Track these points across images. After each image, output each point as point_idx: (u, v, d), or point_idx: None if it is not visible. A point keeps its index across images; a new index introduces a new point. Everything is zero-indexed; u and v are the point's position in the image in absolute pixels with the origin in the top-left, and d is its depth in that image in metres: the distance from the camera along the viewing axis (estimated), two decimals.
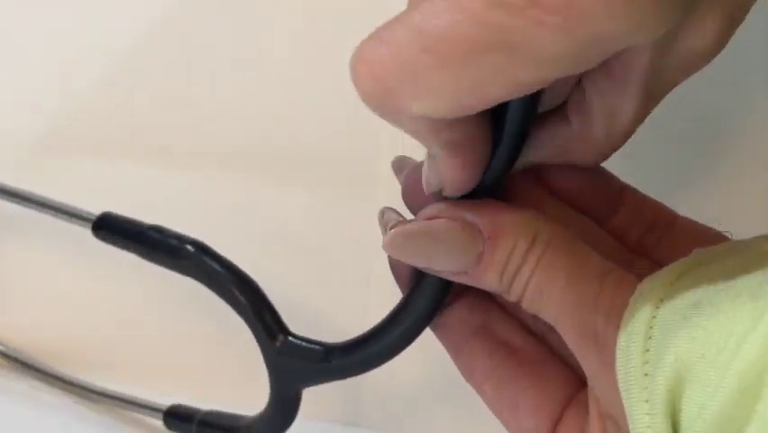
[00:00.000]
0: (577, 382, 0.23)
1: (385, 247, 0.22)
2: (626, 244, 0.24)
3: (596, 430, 0.22)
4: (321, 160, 0.36)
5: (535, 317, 0.22)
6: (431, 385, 0.37)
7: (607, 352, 0.20)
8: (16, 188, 0.34)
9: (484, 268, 0.22)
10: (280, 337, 0.25)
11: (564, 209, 0.24)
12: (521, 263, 0.21)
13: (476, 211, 0.22)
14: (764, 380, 0.17)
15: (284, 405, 0.26)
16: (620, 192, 0.24)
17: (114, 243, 0.29)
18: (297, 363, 0.25)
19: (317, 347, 0.25)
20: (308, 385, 0.25)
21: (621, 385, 0.19)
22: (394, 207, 0.24)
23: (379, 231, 0.23)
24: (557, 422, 0.23)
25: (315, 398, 0.35)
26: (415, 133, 0.20)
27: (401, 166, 0.25)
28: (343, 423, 0.37)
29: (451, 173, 0.21)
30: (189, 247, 0.27)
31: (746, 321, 0.17)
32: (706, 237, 0.24)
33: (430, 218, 0.22)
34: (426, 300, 0.23)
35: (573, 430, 0.23)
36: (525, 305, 0.22)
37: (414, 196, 0.24)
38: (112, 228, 0.29)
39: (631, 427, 0.19)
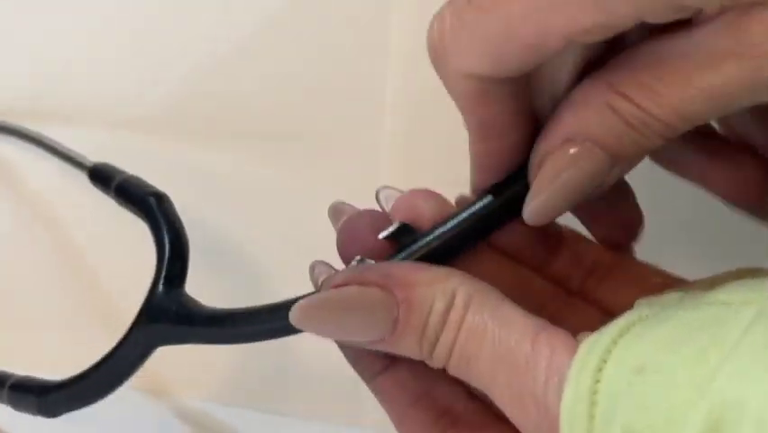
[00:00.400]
0: None
1: (293, 321, 0.22)
2: (567, 288, 0.25)
3: None
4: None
5: None
6: None
7: (549, 417, 0.19)
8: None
9: (400, 334, 0.21)
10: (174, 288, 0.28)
11: (496, 261, 0.24)
12: (441, 327, 0.21)
13: (387, 273, 0.22)
14: None
15: (134, 356, 0.28)
16: (559, 236, 0.25)
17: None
18: (168, 317, 0.27)
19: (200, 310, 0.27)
20: (166, 344, 0.28)
21: None
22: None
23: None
24: None
25: (316, 398, 0.37)
26: (458, 98, 0.21)
27: (338, 213, 0.25)
28: (346, 424, 0.37)
29: (476, 160, 0.23)
30: (151, 198, 0.31)
31: (693, 390, 0.17)
32: (650, 281, 0.24)
33: (339, 285, 0.22)
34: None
35: None
36: (452, 372, 0.21)
37: (348, 246, 0.24)
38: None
39: None
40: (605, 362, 0.19)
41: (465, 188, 0.25)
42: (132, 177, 0.32)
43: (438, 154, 0.35)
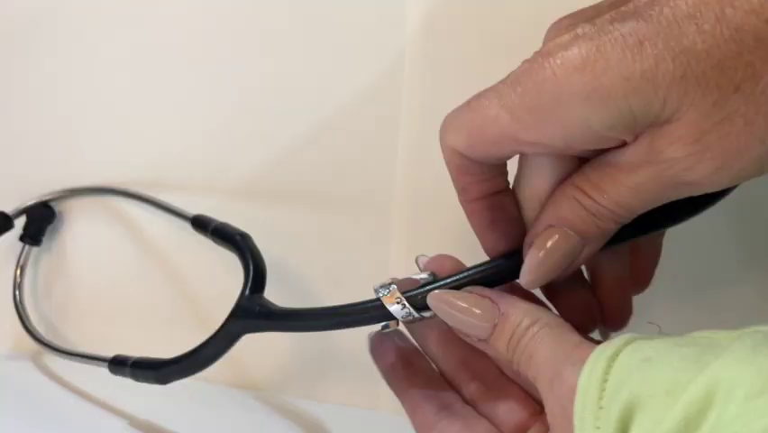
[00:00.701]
0: None
1: (430, 301, 0.27)
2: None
3: None
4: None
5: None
6: None
7: (569, 390, 0.22)
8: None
9: (497, 336, 0.26)
10: (256, 294, 0.33)
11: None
12: (522, 336, 0.25)
13: (499, 296, 0.26)
14: (706, 415, 0.18)
15: (226, 341, 0.33)
16: None
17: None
18: (253, 314, 0.32)
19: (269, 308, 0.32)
20: (249, 332, 0.33)
21: (576, 413, 0.21)
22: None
23: None
24: None
25: (335, 383, 0.42)
26: (447, 164, 0.26)
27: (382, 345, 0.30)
28: (362, 407, 0.41)
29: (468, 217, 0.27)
30: (239, 236, 0.37)
31: (691, 373, 0.19)
32: None
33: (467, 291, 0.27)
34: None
35: None
36: (521, 370, 0.25)
37: (379, 353, 0.30)
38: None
39: None
40: (617, 354, 0.22)
41: (462, 247, 0.29)
42: (223, 223, 0.39)
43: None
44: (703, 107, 0.20)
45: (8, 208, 0.45)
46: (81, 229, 0.47)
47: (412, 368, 0.30)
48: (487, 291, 0.27)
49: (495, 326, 0.26)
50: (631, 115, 0.21)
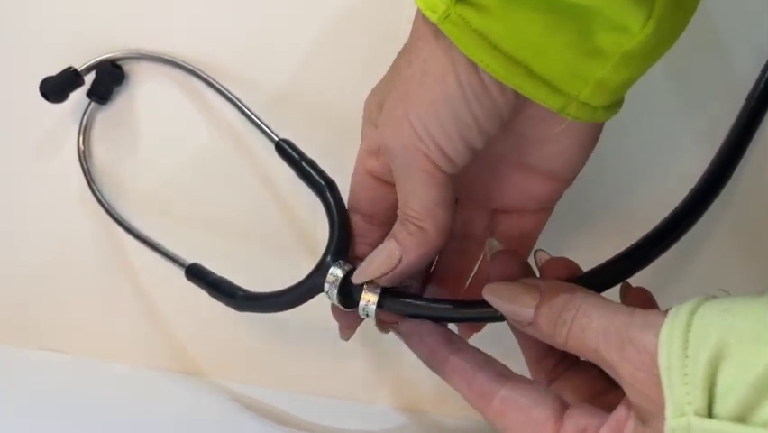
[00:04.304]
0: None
1: (485, 293, 0.29)
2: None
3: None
4: None
5: None
6: None
7: (645, 353, 0.23)
8: None
9: (538, 314, 0.27)
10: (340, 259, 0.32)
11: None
12: (564, 308, 0.26)
13: (540, 282, 0.29)
14: None
15: (306, 293, 0.33)
16: None
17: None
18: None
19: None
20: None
21: (662, 365, 0.22)
22: None
23: None
24: (561, 418, 0.27)
25: (336, 378, 0.42)
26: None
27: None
28: (362, 401, 0.42)
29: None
30: (325, 183, 0.35)
31: None
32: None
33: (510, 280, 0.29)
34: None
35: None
36: (570, 343, 0.26)
37: (416, 340, 0.31)
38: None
39: (669, 401, 0.22)
40: (696, 308, 0.22)
41: None
42: (309, 160, 0.36)
43: None
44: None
45: (77, 65, 0.42)
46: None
47: (454, 345, 0.30)
48: (532, 280, 0.29)
49: (537, 305, 0.27)
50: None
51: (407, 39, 0.28)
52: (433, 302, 0.32)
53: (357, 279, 0.31)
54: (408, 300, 0.32)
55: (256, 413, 0.41)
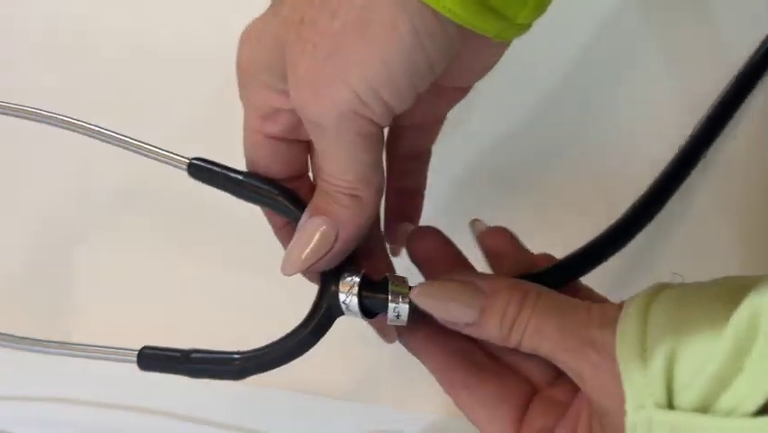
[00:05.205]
0: (531, 390, 0.28)
1: (413, 295, 0.26)
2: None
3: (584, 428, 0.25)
4: None
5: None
6: None
7: (604, 351, 0.23)
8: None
9: (486, 318, 0.26)
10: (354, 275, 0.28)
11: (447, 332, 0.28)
12: (518, 312, 0.25)
13: (479, 278, 0.27)
14: (754, 342, 0.19)
15: (320, 327, 0.29)
16: None
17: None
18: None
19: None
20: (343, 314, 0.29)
21: (620, 361, 0.22)
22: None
23: None
24: (521, 417, 0.27)
25: (336, 378, 0.41)
26: None
27: None
28: (363, 401, 0.42)
29: None
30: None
31: (730, 306, 0.20)
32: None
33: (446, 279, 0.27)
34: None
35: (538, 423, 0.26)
36: (525, 344, 0.25)
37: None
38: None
39: (629, 395, 0.22)
40: (650, 301, 0.22)
41: None
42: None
43: None
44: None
45: None
46: None
47: (439, 332, 0.29)
48: (468, 276, 0.27)
49: (483, 307, 0.26)
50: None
51: None
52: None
53: (286, 269, 0.27)
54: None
55: (256, 413, 0.41)
